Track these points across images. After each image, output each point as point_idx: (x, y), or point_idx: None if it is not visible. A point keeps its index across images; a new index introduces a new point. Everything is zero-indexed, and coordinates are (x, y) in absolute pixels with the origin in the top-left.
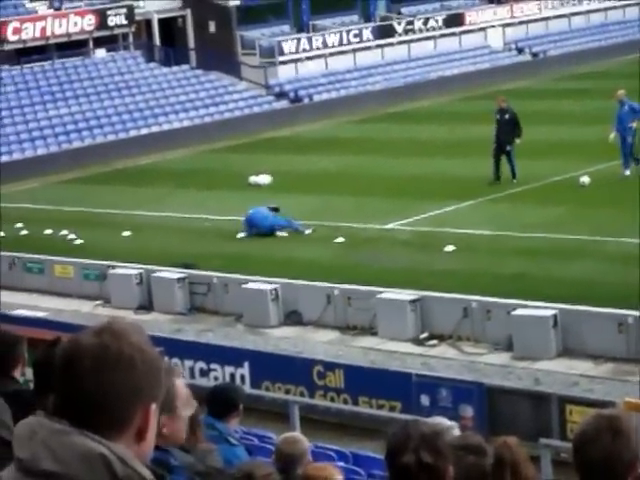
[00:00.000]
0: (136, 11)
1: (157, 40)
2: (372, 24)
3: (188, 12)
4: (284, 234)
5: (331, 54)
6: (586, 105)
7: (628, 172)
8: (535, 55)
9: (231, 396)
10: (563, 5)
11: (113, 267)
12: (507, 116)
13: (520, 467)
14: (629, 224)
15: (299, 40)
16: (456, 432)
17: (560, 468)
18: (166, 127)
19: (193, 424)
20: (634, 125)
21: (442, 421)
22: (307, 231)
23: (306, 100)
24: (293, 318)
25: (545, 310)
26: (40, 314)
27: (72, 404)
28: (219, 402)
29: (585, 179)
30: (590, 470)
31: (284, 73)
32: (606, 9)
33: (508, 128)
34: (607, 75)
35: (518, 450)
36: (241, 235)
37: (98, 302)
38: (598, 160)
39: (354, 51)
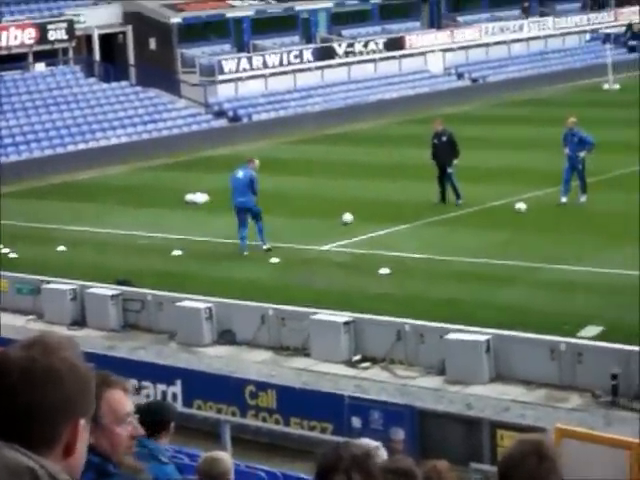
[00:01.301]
0: (77, 26)
1: (97, 56)
2: (313, 45)
3: (129, 28)
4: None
5: (271, 74)
6: (524, 131)
7: (584, 198)
8: (474, 80)
9: (162, 414)
10: (503, 32)
11: (47, 282)
12: (444, 138)
13: None
14: (563, 251)
15: (239, 59)
16: (382, 452)
17: None
18: (104, 143)
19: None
20: (582, 155)
21: (368, 442)
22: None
23: (245, 119)
24: (227, 337)
25: (478, 335)
26: None
27: (1, 418)
28: (149, 420)
29: (521, 205)
30: None
31: (224, 92)
32: (546, 37)
33: (447, 150)
34: (546, 102)
35: (447, 474)
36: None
37: (31, 317)
38: (534, 187)
39: (294, 72)
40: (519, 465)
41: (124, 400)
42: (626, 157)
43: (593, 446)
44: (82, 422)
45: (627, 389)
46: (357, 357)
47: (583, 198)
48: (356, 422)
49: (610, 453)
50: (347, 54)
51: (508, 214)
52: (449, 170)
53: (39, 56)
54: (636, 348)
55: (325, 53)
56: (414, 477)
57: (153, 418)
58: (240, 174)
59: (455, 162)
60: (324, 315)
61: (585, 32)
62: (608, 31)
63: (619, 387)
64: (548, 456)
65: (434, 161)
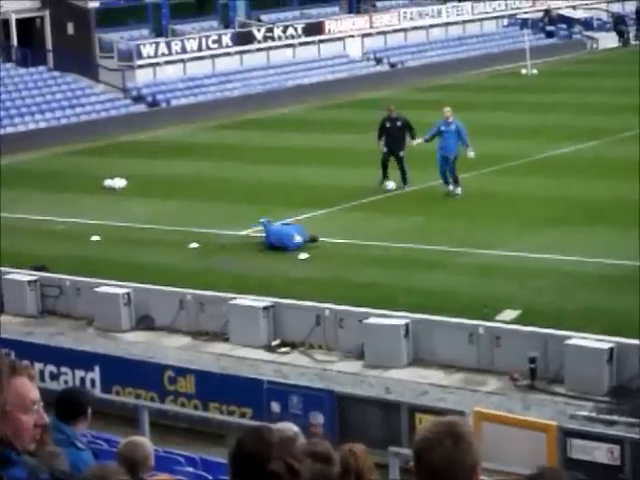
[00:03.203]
0: None
1: (15, 40)
2: (231, 30)
3: (47, 13)
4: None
5: (190, 59)
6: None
7: (459, 190)
8: (393, 65)
9: (79, 400)
10: (422, 17)
11: None
12: (399, 123)
13: (365, 475)
14: (482, 236)
15: (158, 44)
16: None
17: (408, 476)
18: (22, 128)
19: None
20: (456, 149)
21: (289, 427)
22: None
23: (164, 104)
24: (145, 323)
25: (397, 319)
26: None
27: None
28: (67, 405)
29: (390, 184)
30: (432, 476)
31: (142, 77)
32: (464, 22)
33: (401, 135)
34: (464, 87)
35: (363, 457)
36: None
37: None
38: None
39: (213, 57)
40: (434, 447)
41: (30, 387)
42: (543, 142)
43: (511, 429)
44: None
45: (545, 372)
46: (276, 342)
47: (458, 190)
48: (275, 407)
49: (528, 436)
50: (266, 39)
51: (426, 199)
52: (401, 154)
53: None
54: (554, 331)
55: (244, 38)
56: (331, 460)
57: (70, 404)
58: None
59: (414, 143)
60: (243, 300)
61: (503, 17)
62: (526, 16)
63: (537, 370)
64: (463, 437)
65: (385, 145)
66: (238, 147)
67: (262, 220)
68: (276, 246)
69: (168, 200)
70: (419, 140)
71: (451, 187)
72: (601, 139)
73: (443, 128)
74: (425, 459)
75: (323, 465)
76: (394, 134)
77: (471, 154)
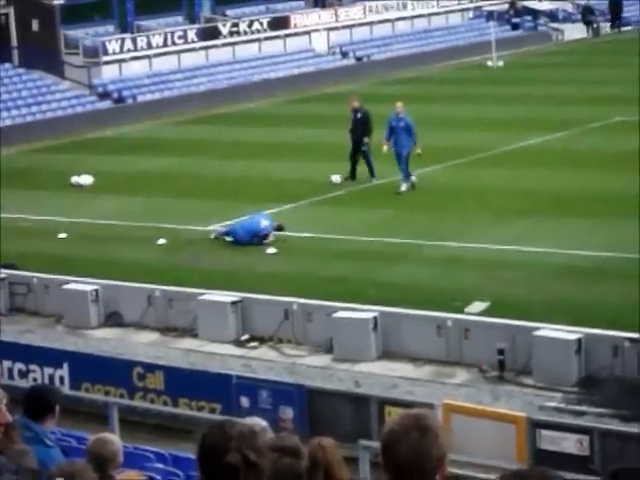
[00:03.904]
0: None
1: None
2: (197, 25)
3: (11, 10)
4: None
5: (155, 55)
6: (407, 109)
7: (404, 187)
8: (359, 59)
9: (47, 397)
10: (387, 10)
11: None
12: (359, 115)
13: (333, 468)
14: (449, 228)
15: (123, 40)
16: (269, 432)
17: (378, 469)
18: None
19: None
20: (409, 145)
21: (257, 421)
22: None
23: (130, 101)
24: (114, 319)
25: (365, 313)
26: None
27: None
28: (35, 403)
29: (336, 177)
30: (399, 468)
31: (108, 73)
32: (430, 15)
33: (362, 127)
34: (430, 80)
35: (332, 451)
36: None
37: None
38: (419, 164)
39: (178, 52)
40: (401, 439)
41: None
42: (511, 133)
43: (481, 421)
44: None
45: (513, 364)
46: (245, 337)
47: (404, 187)
48: (245, 402)
49: (498, 427)
50: (232, 34)
51: (392, 192)
52: (363, 147)
53: None
54: (522, 323)
55: (209, 33)
56: (299, 455)
57: (38, 402)
58: None
59: (366, 140)
60: (211, 295)
61: (468, 10)
62: (491, 9)
63: (505, 362)
64: (430, 429)
65: (350, 137)
66: (205, 142)
67: (224, 229)
68: (246, 240)
69: (135, 196)
70: (386, 144)
71: (414, 178)
72: (569, 130)
73: (394, 124)
74: (392, 452)
75: (291, 459)
76: (355, 126)
77: (418, 151)
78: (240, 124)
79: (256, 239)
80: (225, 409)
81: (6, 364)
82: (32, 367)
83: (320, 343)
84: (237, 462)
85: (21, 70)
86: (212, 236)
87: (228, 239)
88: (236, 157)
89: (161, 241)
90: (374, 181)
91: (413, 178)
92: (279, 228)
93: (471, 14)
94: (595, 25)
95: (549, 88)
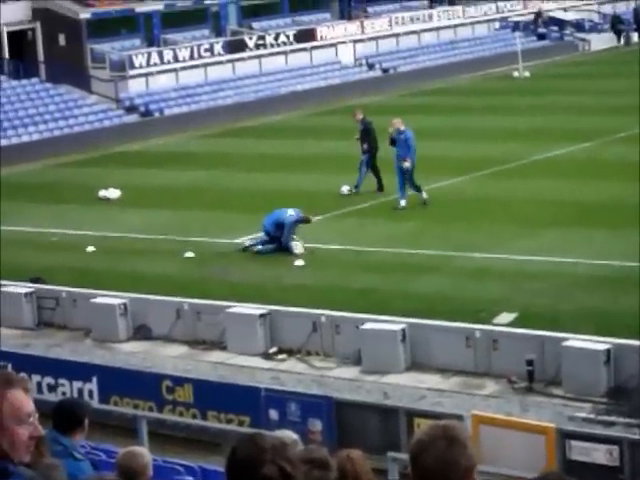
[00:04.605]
0: None
1: (6, 53)
2: (223, 39)
3: (38, 25)
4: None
5: (182, 68)
6: (435, 121)
7: (404, 203)
8: (385, 71)
9: (76, 411)
10: (413, 22)
11: None
12: (361, 127)
13: None
14: (476, 239)
15: (150, 54)
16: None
17: None
18: (15, 141)
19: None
20: (408, 160)
21: (288, 434)
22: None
23: (157, 114)
24: (142, 333)
25: (394, 324)
26: None
27: None
28: (64, 417)
29: (344, 188)
30: (426, 478)
31: (134, 87)
32: (455, 26)
33: (366, 138)
34: (456, 91)
35: (360, 463)
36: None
37: None
38: (446, 175)
39: (205, 65)
40: (428, 448)
41: (25, 400)
42: (537, 144)
43: (510, 432)
44: None
45: (542, 374)
46: (273, 349)
47: (402, 202)
48: (273, 414)
49: (527, 439)
50: (258, 47)
51: (421, 204)
52: (362, 157)
53: None
54: (550, 333)
55: (236, 46)
56: (329, 467)
57: (67, 415)
58: None
59: (365, 147)
60: (239, 308)
61: (494, 20)
62: (517, 19)
63: (534, 373)
64: (458, 440)
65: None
66: (232, 155)
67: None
68: (275, 235)
69: (163, 209)
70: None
71: (424, 195)
72: (595, 140)
73: (395, 136)
74: (419, 461)
75: (320, 471)
76: (360, 138)
77: (406, 164)
78: (267, 137)
79: (280, 234)
80: (254, 422)
81: (35, 378)
82: (61, 381)
83: (348, 355)
84: (273, 474)
85: (48, 85)
86: (245, 246)
87: (256, 249)
88: (263, 170)
89: (189, 254)
90: (355, 190)
91: (424, 195)
92: (306, 220)
93: (497, 25)
94: (624, 33)
95: (575, 98)
